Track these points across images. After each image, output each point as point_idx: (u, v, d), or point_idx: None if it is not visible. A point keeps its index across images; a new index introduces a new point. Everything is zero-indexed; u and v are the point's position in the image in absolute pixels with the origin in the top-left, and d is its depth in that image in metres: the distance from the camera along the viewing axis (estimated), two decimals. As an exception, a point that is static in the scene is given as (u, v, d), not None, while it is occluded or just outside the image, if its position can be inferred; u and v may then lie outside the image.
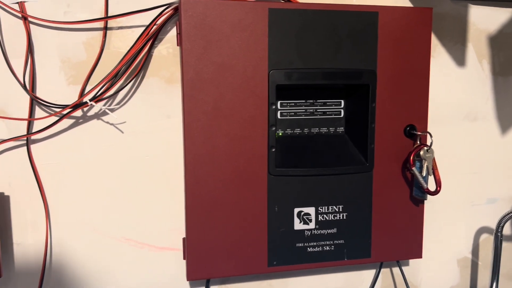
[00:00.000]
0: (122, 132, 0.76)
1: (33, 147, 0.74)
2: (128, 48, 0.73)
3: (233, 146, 0.72)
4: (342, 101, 0.82)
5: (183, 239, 0.75)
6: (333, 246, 0.78)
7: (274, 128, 0.73)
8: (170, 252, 0.81)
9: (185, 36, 0.68)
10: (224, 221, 0.73)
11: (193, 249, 0.73)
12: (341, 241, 0.78)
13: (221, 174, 0.72)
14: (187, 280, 0.74)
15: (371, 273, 0.91)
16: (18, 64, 0.71)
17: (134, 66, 0.73)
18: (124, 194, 0.78)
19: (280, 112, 0.78)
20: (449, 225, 0.93)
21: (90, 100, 0.70)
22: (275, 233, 0.75)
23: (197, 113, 0.70)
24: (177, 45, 0.71)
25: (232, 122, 0.72)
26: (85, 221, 0.77)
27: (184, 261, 0.82)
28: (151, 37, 0.73)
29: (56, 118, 0.72)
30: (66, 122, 0.74)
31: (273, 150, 0.73)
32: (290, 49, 0.72)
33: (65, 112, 0.71)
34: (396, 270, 0.93)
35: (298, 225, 0.76)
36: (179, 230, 0.81)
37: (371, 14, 0.74)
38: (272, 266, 0.76)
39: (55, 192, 0.75)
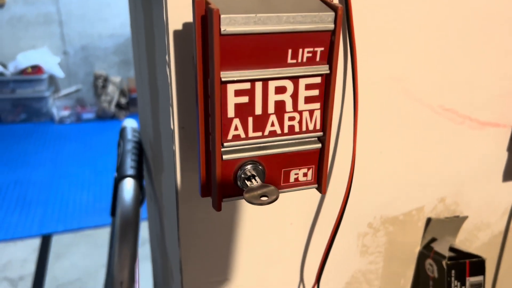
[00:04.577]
0: None
1: None
2: None
3: None
4: None
5: None
6: None
7: None
8: (493, 129, 0.52)
9: None
10: None
11: None
12: None
13: None
14: None
15: None
16: None
17: None
18: (449, 42, 0.44)
19: None
20: None
21: None
22: None
23: None
24: None
25: None
26: (396, 78, 0.44)
27: (505, 144, 0.53)
28: None
29: None
30: None
31: None
32: None
33: None
34: None
35: None
36: (510, 97, 0.50)
37: None
38: None
39: (360, 23, 0.40)
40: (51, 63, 3.43)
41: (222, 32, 0.28)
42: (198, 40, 0.30)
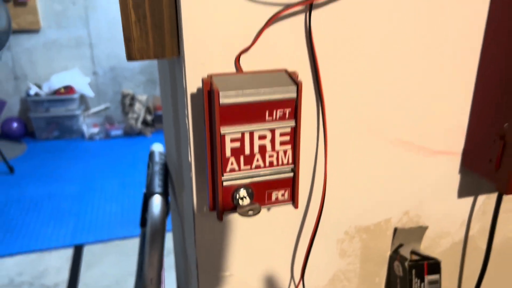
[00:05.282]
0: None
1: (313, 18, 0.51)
2: None
3: None
4: None
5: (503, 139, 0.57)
6: None
7: None
8: (445, 157, 0.65)
9: None
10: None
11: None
12: None
13: None
14: (508, 193, 0.58)
15: None
16: None
17: None
18: (404, 87, 0.58)
19: None
20: None
21: None
22: None
23: None
24: None
25: None
26: (360, 119, 0.58)
27: (457, 168, 0.66)
28: None
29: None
30: (362, -20, 0.50)
31: None
32: None
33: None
34: None
35: None
36: (460, 129, 0.63)
37: None
38: None
39: (330, 81, 0.55)
40: (82, 83, 3.68)
41: (221, 104, 0.43)
42: (205, 106, 0.45)
